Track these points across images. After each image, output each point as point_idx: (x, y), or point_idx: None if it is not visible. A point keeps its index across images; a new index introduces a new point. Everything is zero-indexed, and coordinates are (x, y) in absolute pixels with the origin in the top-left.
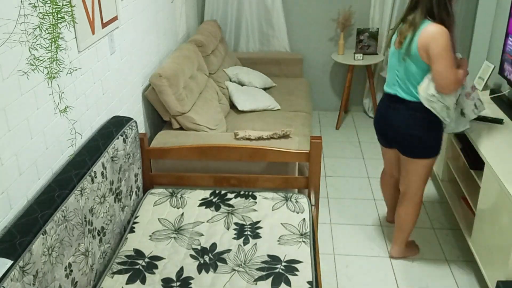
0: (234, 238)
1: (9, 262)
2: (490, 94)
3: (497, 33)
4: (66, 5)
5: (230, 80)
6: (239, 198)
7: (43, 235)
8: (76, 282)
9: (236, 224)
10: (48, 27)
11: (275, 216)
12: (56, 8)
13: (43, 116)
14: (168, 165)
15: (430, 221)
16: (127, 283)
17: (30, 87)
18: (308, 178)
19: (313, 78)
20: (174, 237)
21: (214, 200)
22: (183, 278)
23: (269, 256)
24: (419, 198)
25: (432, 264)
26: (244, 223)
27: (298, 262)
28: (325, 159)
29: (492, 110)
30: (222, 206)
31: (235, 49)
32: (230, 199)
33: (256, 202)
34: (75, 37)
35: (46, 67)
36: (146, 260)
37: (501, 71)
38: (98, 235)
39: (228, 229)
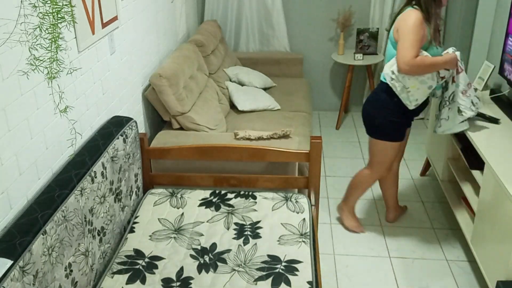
0: (234, 238)
1: (9, 262)
2: (490, 94)
3: (497, 33)
4: (66, 5)
5: (230, 80)
6: (239, 198)
7: (43, 235)
8: (76, 282)
9: (236, 224)
10: (48, 27)
11: (275, 216)
12: (56, 8)
13: (43, 116)
14: (168, 165)
15: (430, 221)
16: (127, 283)
17: (30, 87)
18: (308, 178)
19: (313, 78)
20: (174, 237)
21: (214, 200)
22: (183, 278)
23: (269, 256)
24: (376, 173)
25: (432, 264)
26: (244, 223)
27: (298, 262)
28: (325, 159)
29: (492, 110)
30: (222, 206)
31: (235, 49)
32: (230, 199)
33: (256, 202)
34: (75, 37)
35: (46, 67)
36: (146, 260)
37: (501, 71)
38: (98, 235)
39: (228, 229)
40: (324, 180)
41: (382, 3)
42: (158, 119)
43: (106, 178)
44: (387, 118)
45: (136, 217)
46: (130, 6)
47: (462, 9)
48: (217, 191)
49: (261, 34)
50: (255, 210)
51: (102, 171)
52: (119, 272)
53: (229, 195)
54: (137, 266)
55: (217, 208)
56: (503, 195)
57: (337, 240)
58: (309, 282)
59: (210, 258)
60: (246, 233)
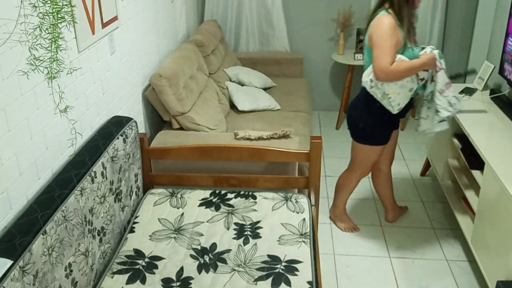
0: (234, 238)
1: (9, 262)
2: (490, 94)
3: (497, 33)
4: (66, 5)
5: (230, 80)
6: (239, 198)
7: (43, 235)
8: (76, 282)
9: (236, 224)
10: (48, 27)
11: (275, 216)
12: (56, 8)
13: (43, 116)
14: (168, 165)
15: (430, 221)
16: (127, 283)
17: (30, 87)
18: (308, 178)
19: (313, 78)
20: (174, 237)
21: (214, 200)
22: (183, 278)
23: (269, 256)
24: (359, 174)
25: (432, 264)
26: (244, 223)
27: (298, 262)
28: (325, 159)
29: (492, 110)
30: (222, 206)
31: (235, 49)
32: (230, 199)
33: (256, 202)
34: (75, 37)
35: (46, 67)
36: (146, 260)
37: (501, 71)
38: (98, 235)
39: (228, 229)
40: (324, 180)
41: None
42: (158, 119)
43: (106, 178)
44: (371, 122)
45: (136, 217)
46: (130, 6)
47: (462, 9)
48: (217, 191)
49: (261, 34)
50: (255, 210)
51: (102, 171)
52: (119, 272)
53: (229, 195)
54: (137, 266)
55: (217, 208)
56: (503, 195)
57: (337, 240)
58: (309, 282)
59: (210, 258)
60: (246, 233)
